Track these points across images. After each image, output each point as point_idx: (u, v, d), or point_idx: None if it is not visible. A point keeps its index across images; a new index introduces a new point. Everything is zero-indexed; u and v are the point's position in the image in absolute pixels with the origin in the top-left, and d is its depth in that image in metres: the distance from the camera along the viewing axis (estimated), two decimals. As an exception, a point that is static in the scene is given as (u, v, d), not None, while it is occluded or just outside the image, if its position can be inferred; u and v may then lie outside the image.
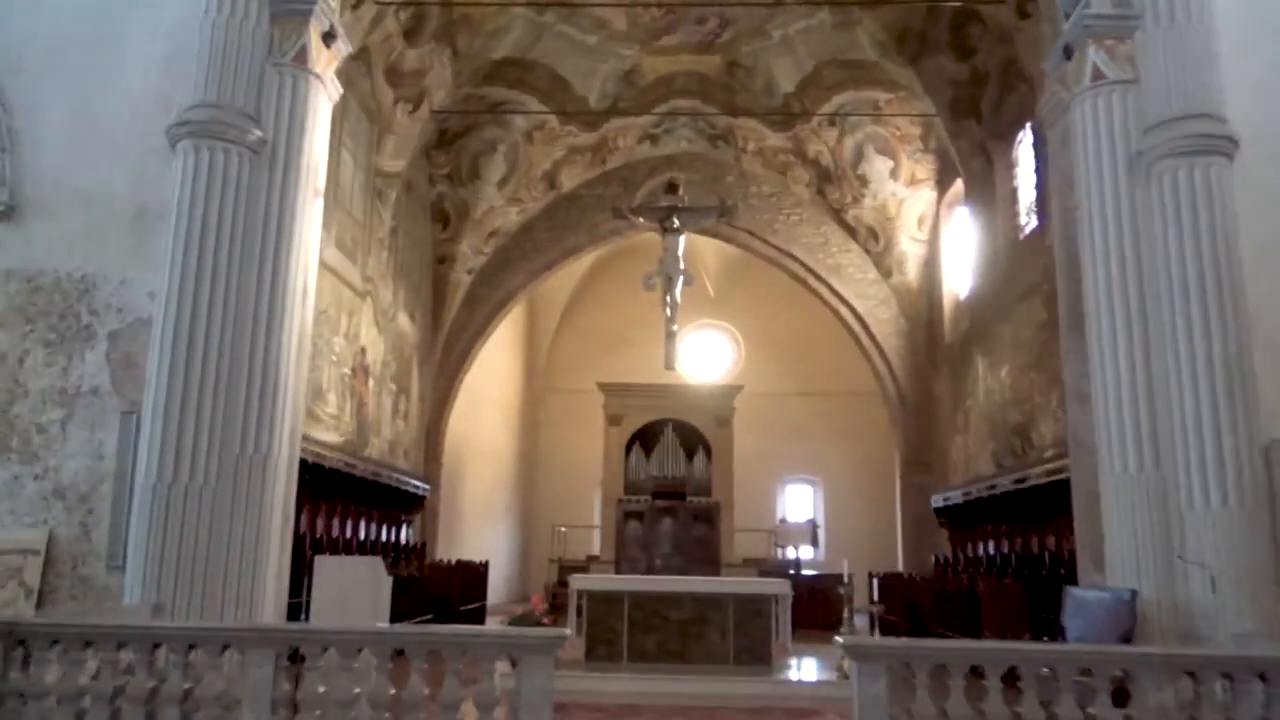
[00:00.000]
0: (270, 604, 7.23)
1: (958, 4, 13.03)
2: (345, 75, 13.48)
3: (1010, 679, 4.93)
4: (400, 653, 4.96)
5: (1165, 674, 4.81)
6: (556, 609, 15.32)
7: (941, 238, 17.75)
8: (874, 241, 18.57)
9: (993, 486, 13.34)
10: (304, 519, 11.38)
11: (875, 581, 8.17)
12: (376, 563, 5.85)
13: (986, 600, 10.00)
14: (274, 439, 7.32)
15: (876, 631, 7.83)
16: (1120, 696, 4.98)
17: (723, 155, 19.08)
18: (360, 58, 13.51)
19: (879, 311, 18.76)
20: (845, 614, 8.27)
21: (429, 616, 12.33)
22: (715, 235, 19.26)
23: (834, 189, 18.50)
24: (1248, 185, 7.19)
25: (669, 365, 12.14)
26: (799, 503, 26.07)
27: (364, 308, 14.40)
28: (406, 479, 15.83)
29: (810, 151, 18.26)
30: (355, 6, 12.43)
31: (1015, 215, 14.10)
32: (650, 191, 18.81)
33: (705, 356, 27.19)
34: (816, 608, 15.22)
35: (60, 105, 7.73)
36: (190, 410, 6.93)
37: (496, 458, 23.64)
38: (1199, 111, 7.19)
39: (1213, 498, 6.66)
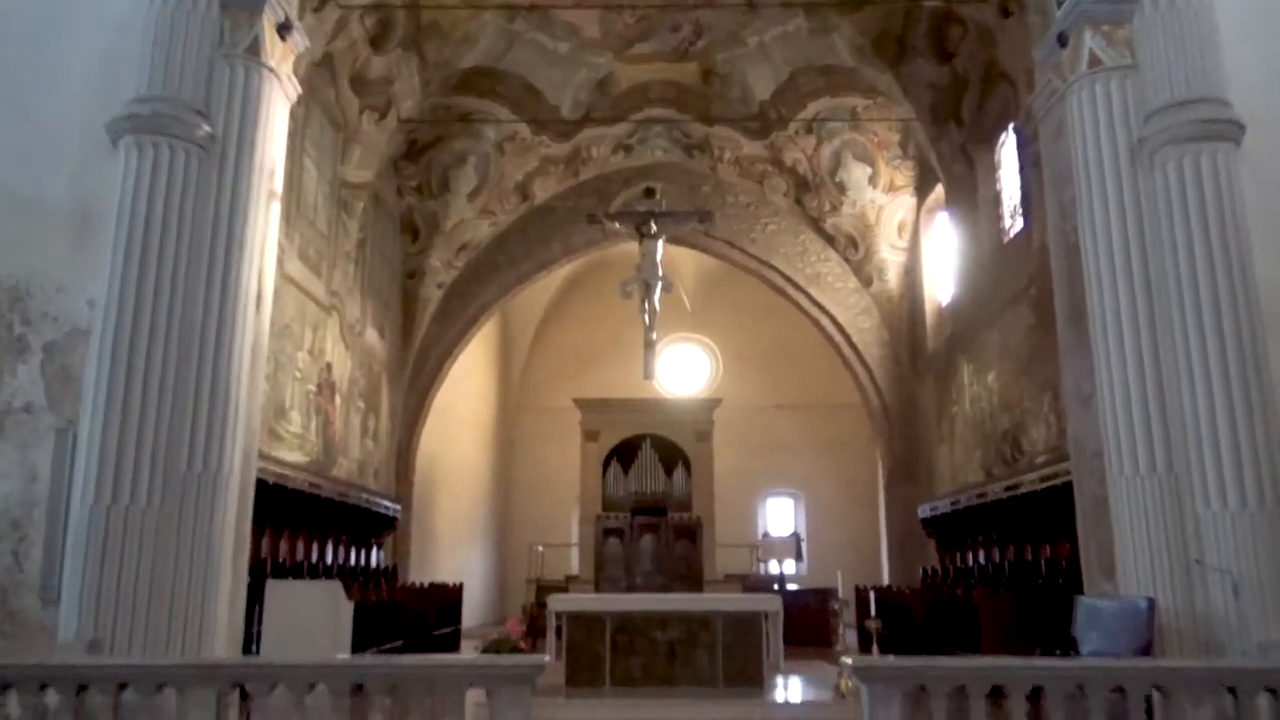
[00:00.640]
0: (223, 636, 6.66)
1: (939, 3, 12.78)
2: (308, 83, 13.03)
3: (1028, 699, 4.50)
4: (360, 688, 4.45)
5: (1205, 689, 4.39)
6: (535, 632, 14.75)
7: (922, 245, 17.47)
8: (853, 250, 18.27)
9: (983, 495, 12.97)
10: (265, 543, 10.80)
11: (873, 595, 7.73)
12: (335, 587, 5.33)
13: (984, 612, 9.58)
14: (225, 456, 6.78)
15: (875, 649, 7.36)
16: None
17: (699, 165, 18.73)
18: (324, 65, 13.06)
19: (860, 321, 18.43)
20: (839, 630, 7.79)
21: (399, 643, 11.74)
22: (693, 246, 18.87)
23: (812, 197, 18.20)
24: (1255, 174, 6.87)
25: (648, 375, 11.68)
26: (781, 517, 25.65)
27: (330, 322, 13.84)
28: (377, 500, 15.23)
29: (787, 160, 17.95)
30: (318, 9, 11.98)
31: (999, 219, 13.82)
32: (625, 202, 18.39)
33: (683, 371, 26.80)
34: (804, 624, 14.76)
35: (-9, 101, 7.19)
36: (132, 426, 6.38)
37: (471, 477, 23.03)
38: (1202, 96, 6.88)
39: (1230, 498, 6.29)
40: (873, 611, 7.50)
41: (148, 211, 6.71)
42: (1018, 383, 12.56)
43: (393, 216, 17.11)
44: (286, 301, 12.18)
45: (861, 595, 15.96)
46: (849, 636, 16.09)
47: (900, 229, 17.71)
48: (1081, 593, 9.64)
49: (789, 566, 18.11)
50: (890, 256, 17.90)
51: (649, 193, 12.07)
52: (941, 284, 16.97)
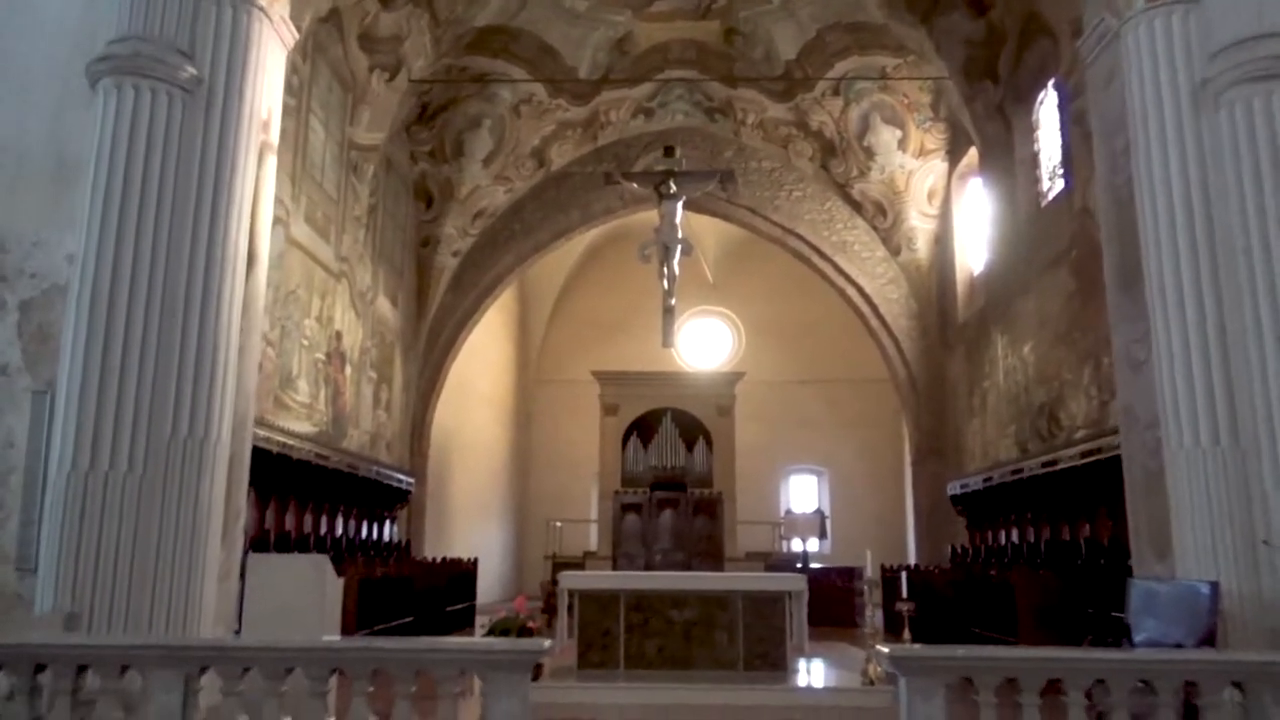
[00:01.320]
0: (211, 613, 6.26)
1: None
2: (315, 39, 12.56)
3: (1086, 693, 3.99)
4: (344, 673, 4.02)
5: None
6: (550, 609, 14.37)
7: (953, 211, 16.79)
8: (881, 217, 17.61)
9: (1018, 471, 12.40)
10: (270, 515, 10.44)
11: (904, 576, 7.23)
12: (322, 561, 4.91)
13: (1021, 593, 9.06)
14: (213, 422, 6.35)
15: (907, 633, 6.88)
16: (1190, 712, 4.05)
17: (721, 129, 18.10)
18: (331, 20, 12.55)
19: (887, 291, 17.80)
20: (868, 612, 7.31)
21: (409, 619, 11.38)
22: (714, 213, 18.29)
23: (839, 162, 17.54)
24: (1332, 114, 6.22)
25: (666, 343, 11.19)
26: (803, 494, 25.16)
27: (339, 289, 13.43)
28: (389, 473, 14.87)
29: (813, 123, 17.28)
30: (322, -39, 11.48)
31: (1036, 181, 13.15)
32: (645, 166, 17.81)
33: (704, 344, 26.26)
34: (828, 604, 14.33)
35: (-35, 44, 6.75)
36: (112, 388, 5.96)
37: (487, 451, 22.68)
38: (1274, 30, 6.23)
39: (1303, 474, 5.72)
40: (903, 592, 6.98)
41: (128, 159, 6.25)
42: (1056, 353, 11.95)
43: (405, 182, 16.64)
44: (293, 266, 11.77)
45: (890, 575, 15.48)
46: (875, 618, 15.63)
47: (930, 195, 17.02)
48: (1126, 574, 9.09)
49: (812, 545, 17.61)
50: (920, 224, 17.23)
51: (668, 152, 11.50)
52: (973, 252, 16.31)
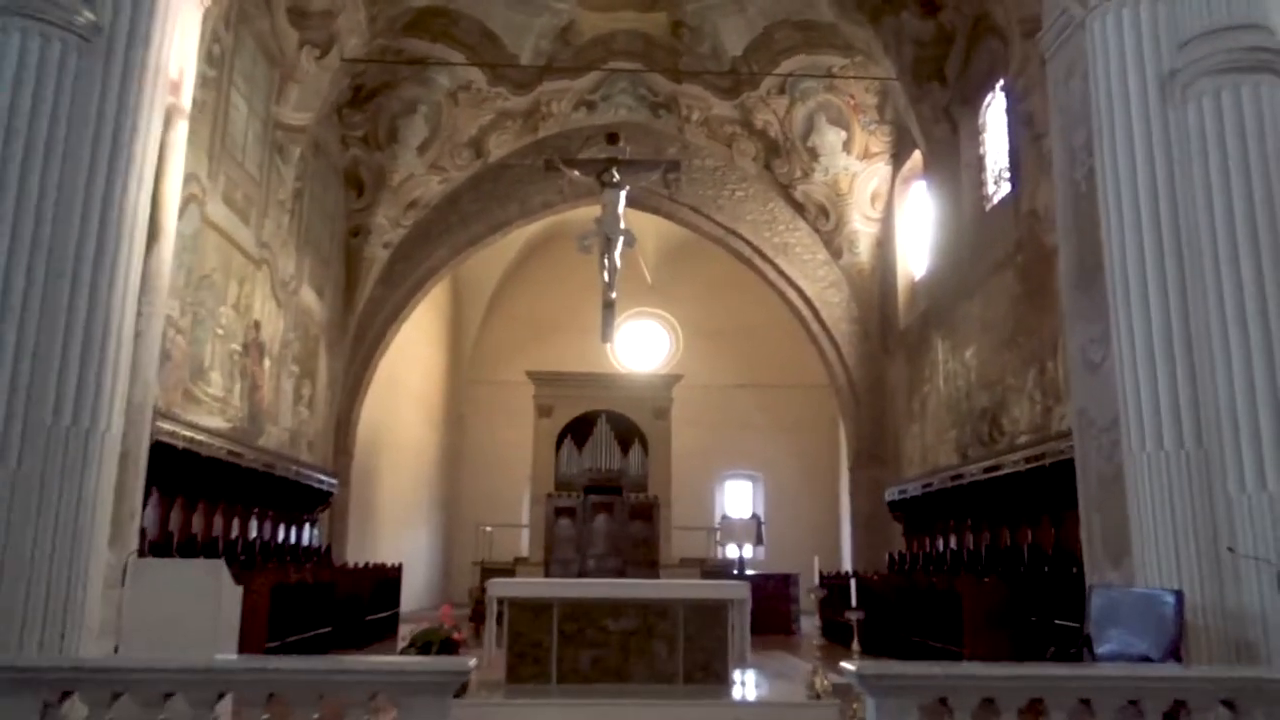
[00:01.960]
0: (96, 625, 5.60)
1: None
2: (240, 8, 11.79)
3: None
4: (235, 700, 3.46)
5: (1287, 706, 3.56)
6: (478, 617, 13.76)
7: (896, 216, 16.67)
8: (824, 220, 17.42)
9: (958, 477, 12.24)
10: (176, 516, 9.67)
11: (854, 583, 6.87)
12: (216, 566, 4.32)
13: (968, 600, 8.80)
14: (101, 410, 5.68)
15: (856, 644, 6.51)
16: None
17: (665, 125, 17.72)
18: (257, -9, 11.86)
19: (829, 295, 17.61)
20: (813, 621, 6.92)
21: (328, 629, 10.69)
22: (655, 210, 17.90)
23: (782, 163, 17.30)
24: (1298, 110, 6.05)
25: (606, 338, 10.74)
26: (739, 500, 24.89)
27: (259, 277, 12.66)
28: (310, 473, 14.10)
29: (758, 122, 17.02)
30: (247, -78, 10.79)
31: (981, 185, 13.05)
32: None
33: (641, 347, 25.84)
34: (764, 612, 13.97)
35: None
36: (-19, 368, 5.27)
37: (416, 452, 21.90)
38: (1245, 21, 6.05)
39: (1269, 478, 5.50)
40: (853, 600, 6.63)
41: (11, 110, 5.56)
42: (999, 358, 11.81)
43: (335, 168, 15.88)
44: (208, 248, 11.01)
45: (834, 582, 15.22)
46: (807, 625, 15.37)
47: (874, 199, 16.89)
48: (1072, 581, 8.92)
49: (749, 551, 17.30)
50: (862, 228, 17.08)
51: (611, 139, 11.07)
52: (915, 257, 16.20)
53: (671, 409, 20.49)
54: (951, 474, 12.54)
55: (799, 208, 17.58)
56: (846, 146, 16.54)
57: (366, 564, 14.07)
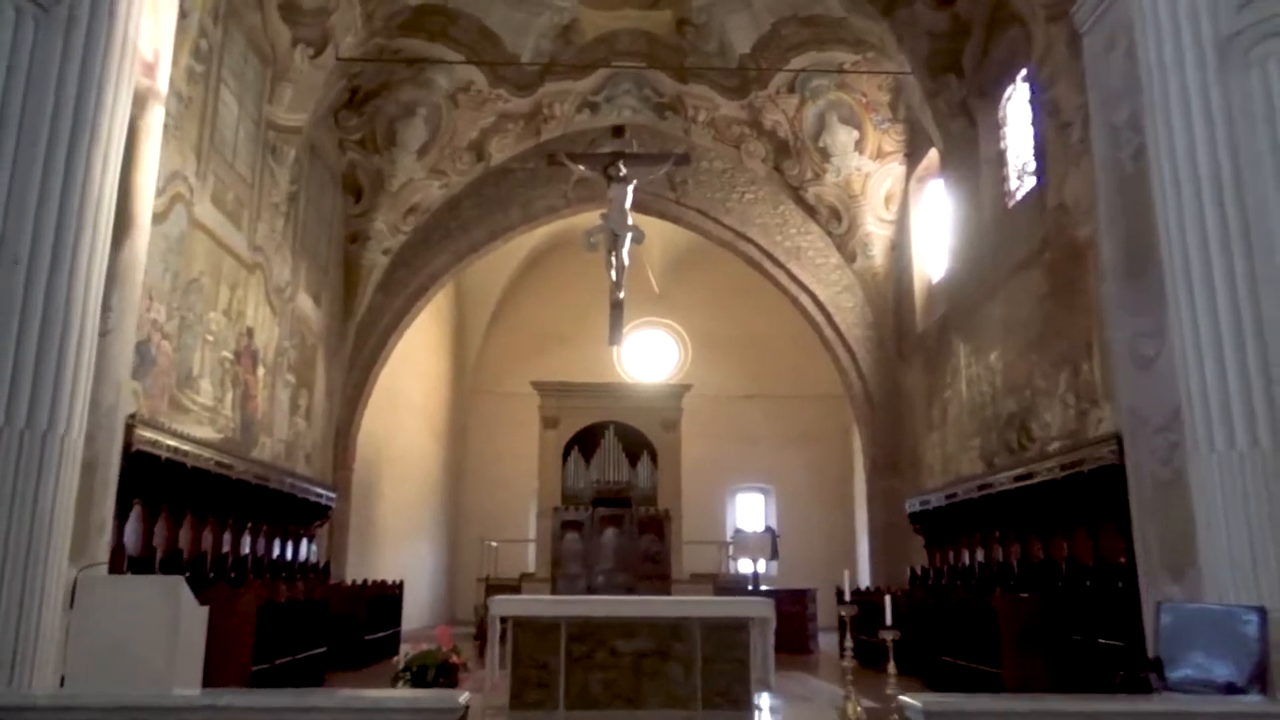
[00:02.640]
0: (54, 648, 5.04)
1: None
2: (228, 4, 11.38)
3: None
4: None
5: None
6: (483, 636, 13.18)
7: (911, 217, 16.14)
8: (836, 222, 16.89)
9: (986, 486, 11.64)
10: (160, 530, 9.12)
11: (889, 600, 6.28)
12: (173, 584, 3.77)
13: (1005, 618, 8.21)
14: (60, 412, 5.14)
15: (891, 665, 5.94)
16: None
17: (671, 126, 17.22)
18: (248, -15, 11.42)
19: (842, 299, 17.06)
20: (849, 641, 6.37)
21: (321, 650, 10.12)
22: (661, 215, 17.39)
23: (792, 164, 16.79)
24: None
25: (614, 341, 10.21)
26: (750, 513, 24.29)
27: (252, 282, 12.15)
28: (307, 486, 13.55)
29: (767, 122, 16.53)
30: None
31: (1003, 181, 12.52)
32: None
33: (648, 358, 25.32)
34: (780, 630, 13.36)
35: None
36: (-78, 364, 4.75)
37: (419, 466, 21.36)
38: (1312, -22, 5.51)
39: (1359, 478, 4.93)
40: (888, 618, 6.05)
41: (-40, 85, 5.06)
42: (1026, 360, 11.24)
43: (332, 172, 15.41)
44: (196, 251, 10.51)
45: (859, 598, 14.62)
46: (825, 642, 14.74)
47: (887, 200, 16.36)
48: (1114, 595, 8.32)
49: (763, 566, 16.69)
50: (876, 230, 16.54)
51: (617, 132, 10.59)
52: (932, 259, 15.66)
53: (681, 419, 19.94)
54: (978, 483, 11.95)
55: (810, 210, 17.06)
56: (859, 146, 16.03)
57: (365, 581, 13.50)
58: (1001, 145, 12.58)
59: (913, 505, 14.50)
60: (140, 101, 6.40)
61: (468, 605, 19.74)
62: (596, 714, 6.80)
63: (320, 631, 10.30)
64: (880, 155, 16.03)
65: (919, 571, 14.07)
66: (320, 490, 14.10)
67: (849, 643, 6.44)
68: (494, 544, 20.31)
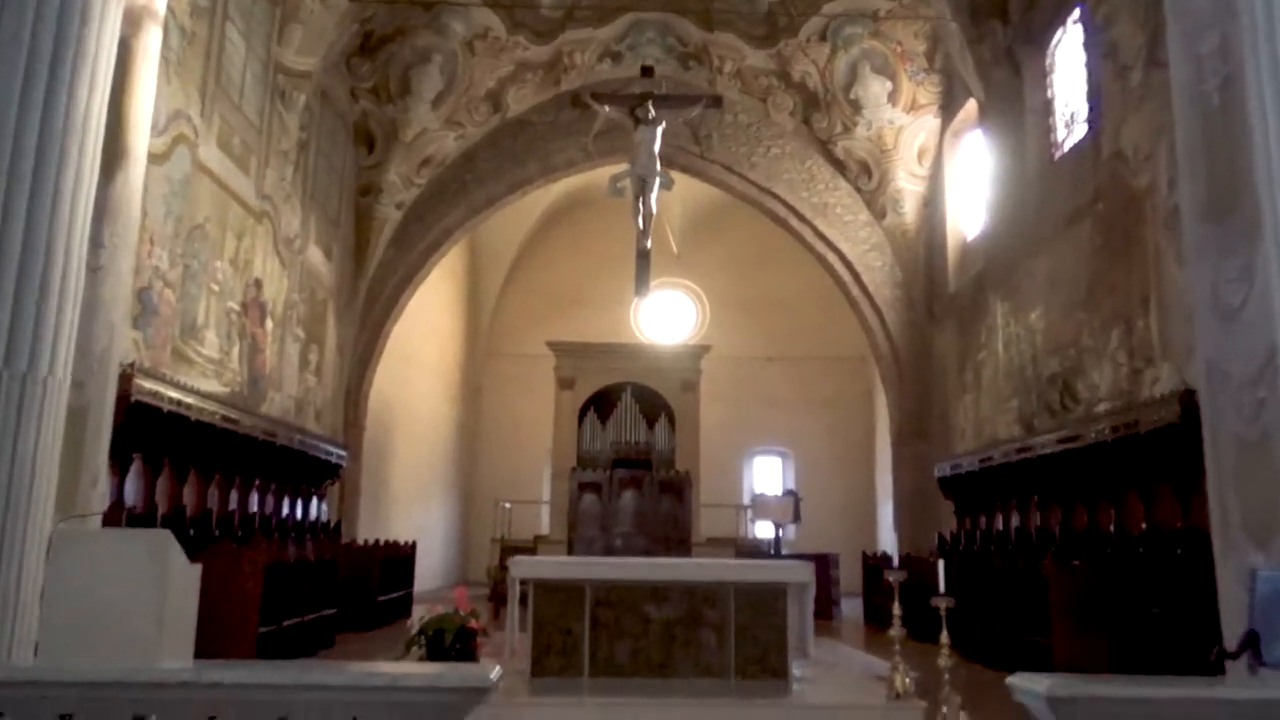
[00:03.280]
0: (36, 614, 4.62)
1: None
2: (234, -64, 10.78)
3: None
4: None
5: None
6: (498, 598, 12.82)
7: (945, 172, 15.48)
8: (866, 178, 16.24)
9: (1025, 449, 11.12)
10: (163, 486, 8.73)
11: (941, 566, 5.80)
12: (160, 541, 3.32)
13: (1056, 588, 7.74)
14: (43, 353, 4.67)
15: (944, 636, 5.47)
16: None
17: (695, 77, 16.50)
18: (254, -82, 10.82)
19: (870, 258, 16.45)
20: (895, 607, 5.91)
21: (331, 611, 9.76)
22: (685, 169, 16.72)
23: (821, 117, 16.11)
24: None
25: (640, 292, 9.73)
26: (768, 477, 23.87)
27: (259, 231, 11.67)
28: (317, 444, 13.15)
29: (795, 73, 15.83)
30: None
31: (1049, 131, 11.86)
32: (608, 119, 16.22)
33: (667, 319, 24.79)
34: (805, 596, 12.97)
35: None
36: (-113, 295, 4.28)
37: (433, 426, 20.98)
38: None
39: None
40: (941, 585, 5.58)
41: (-73, -13, 4.54)
42: (1073, 318, 10.66)
43: (344, 121, 14.85)
44: (201, 195, 10.02)
45: (878, 564, 14.19)
46: (847, 609, 14.38)
47: (920, 155, 15.68)
48: (1172, 563, 7.84)
49: (785, 530, 16.26)
50: (908, 186, 15.88)
51: (646, 72, 9.98)
52: (967, 216, 15.04)
53: (700, 381, 19.46)
54: (1017, 446, 11.43)
55: (839, 165, 16.41)
56: (892, 98, 15.33)
57: (376, 541, 13.15)
58: (1049, 94, 11.91)
59: (943, 470, 14.00)
60: (134, 20, 5.90)
61: (481, 567, 19.44)
62: (623, 683, 6.38)
63: (331, 592, 9.94)
64: (914, 108, 15.34)
65: (948, 538, 13.60)
66: (331, 448, 13.71)
67: (898, 610, 5.95)
68: (508, 505, 19.98)
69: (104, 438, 5.80)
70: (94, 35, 5.07)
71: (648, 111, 9.07)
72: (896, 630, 5.96)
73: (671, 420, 18.96)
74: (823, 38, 15.18)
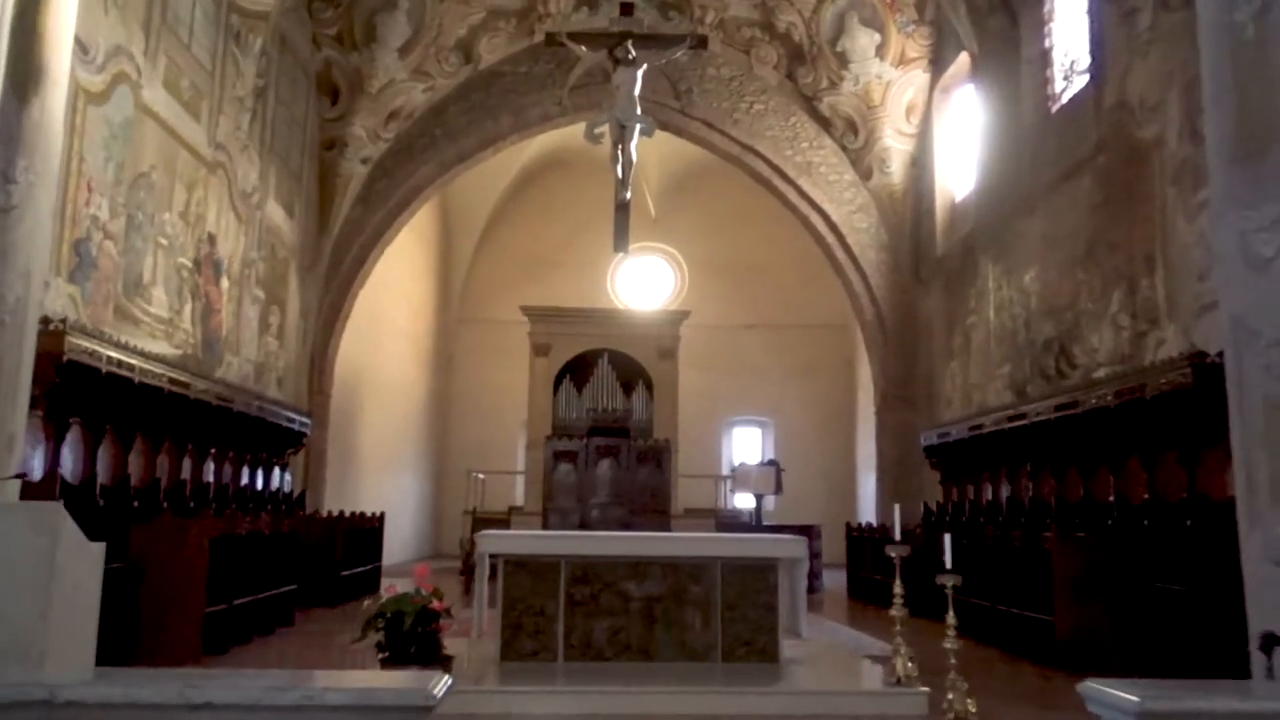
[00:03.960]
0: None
1: None
2: None
3: None
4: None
5: None
6: (469, 570, 12.31)
7: (934, 130, 14.94)
8: (852, 136, 15.66)
9: (1018, 417, 10.70)
10: (105, 455, 8.09)
11: (947, 541, 5.34)
12: (49, 514, 2.75)
13: (1059, 562, 7.31)
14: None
15: (950, 616, 5.01)
16: None
17: (675, 28, 15.77)
18: None
19: (856, 220, 15.91)
20: (896, 585, 5.45)
21: (292, 587, 9.19)
22: (665, 125, 16.06)
23: (807, 71, 15.49)
24: None
25: (619, 247, 9.13)
26: (748, 447, 23.46)
27: (213, 183, 10.93)
28: (278, 410, 12.50)
29: (781, 24, 15.17)
30: None
31: (1047, 83, 11.34)
32: (588, 70, 15.53)
33: (644, 285, 24.20)
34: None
35: None
36: None
37: (403, 394, 20.33)
38: None
39: None
40: (947, 561, 5.12)
41: None
42: (1071, 278, 10.21)
43: (306, 70, 14.03)
44: (145, 140, 9.29)
45: (863, 535, 13.79)
46: (829, 581, 13.98)
47: (909, 111, 15.12)
48: (1179, 535, 7.44)
49: (768, 501, 15.83)
50: (895, 144, 15.32)
51: (626, 9, 9.30)
52: (957, 176, 14.54)
53: (679, 348, 18.93)
54: (1009, 414, 11.00)
55: (824, 123, 15.81)
56: (880, 51, 14.72)
57: (340, 512, 12.56)
58: (1046, 43, 11.38)
59: (929, 438, 13.59)
60: (46, -77, 5.18)
61: (453, 539, 18.94)
62: (600, 667, 5.88)
63: (291, 567, 9.37)
64: (903, 62, 14.74)
65: (934, 508, 13.22)
66: (293, 415, 13.07)
67: (899, 588, 5.49)
68: (481, 476, 19.47)
69: (21, 398, 5.17)
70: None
71: (627, 51, 8.43)
72: (898, 610, 5.50)
73: (649, 388, 18.45)
74: (810, -14, 14.54)
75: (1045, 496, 10.04)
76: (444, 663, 5.02)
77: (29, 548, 2.84)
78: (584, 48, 9.18)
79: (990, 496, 11.69)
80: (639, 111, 8.50)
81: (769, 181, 16.12)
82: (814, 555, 14.90)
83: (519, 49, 15.69)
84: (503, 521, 15.15)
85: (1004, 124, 12.26)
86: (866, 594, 12.76)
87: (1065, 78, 10.96)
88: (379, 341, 18.36)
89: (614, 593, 6.02)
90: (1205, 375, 7.25)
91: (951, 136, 14.64)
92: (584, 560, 6.05)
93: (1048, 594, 7.32)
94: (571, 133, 17.64)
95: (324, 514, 12.85)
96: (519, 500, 19.15)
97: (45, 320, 6.69)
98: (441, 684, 1.87)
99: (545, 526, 14.48)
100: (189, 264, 10.34)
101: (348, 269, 15.42)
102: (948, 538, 5.34)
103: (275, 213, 13.11)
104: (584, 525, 14.20)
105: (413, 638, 4.81)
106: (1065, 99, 10.87)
